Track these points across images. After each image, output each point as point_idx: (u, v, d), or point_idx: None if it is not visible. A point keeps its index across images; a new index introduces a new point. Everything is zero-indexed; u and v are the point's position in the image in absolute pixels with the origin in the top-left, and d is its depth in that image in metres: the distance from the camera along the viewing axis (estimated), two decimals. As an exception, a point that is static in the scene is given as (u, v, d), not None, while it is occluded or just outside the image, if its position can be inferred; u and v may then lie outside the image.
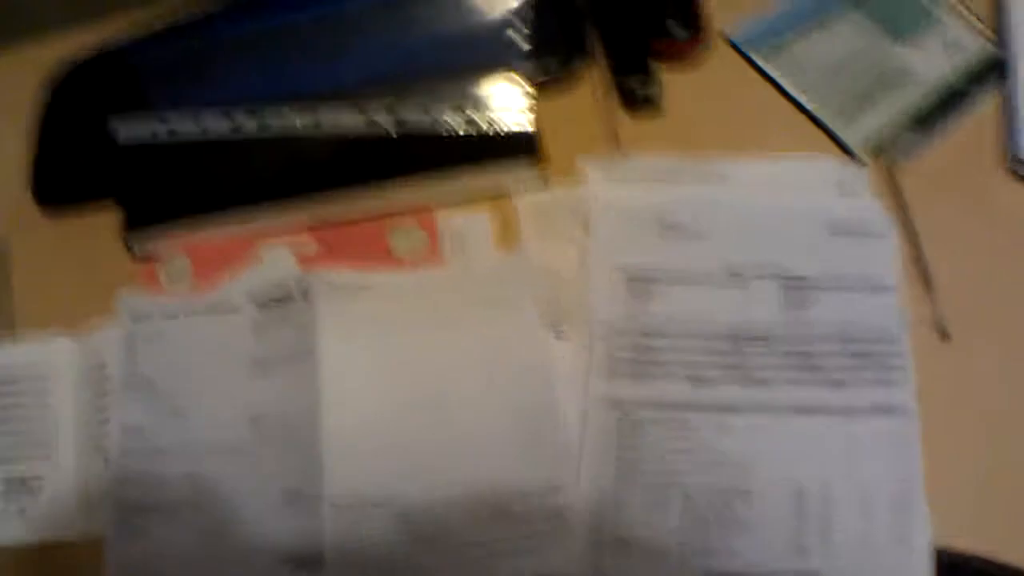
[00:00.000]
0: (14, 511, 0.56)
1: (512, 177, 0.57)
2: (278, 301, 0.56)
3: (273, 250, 0.58)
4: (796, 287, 0.54)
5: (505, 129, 0.57)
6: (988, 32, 0.60)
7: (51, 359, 0.59)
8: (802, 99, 0.59)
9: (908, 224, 0.55)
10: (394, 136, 0.58)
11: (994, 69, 0.59)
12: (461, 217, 0.57)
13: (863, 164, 0.57)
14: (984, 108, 0.58)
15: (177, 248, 0.60)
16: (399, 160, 0.58)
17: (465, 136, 0.57)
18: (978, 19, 0.61)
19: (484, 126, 0.57)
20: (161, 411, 0.55)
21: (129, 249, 0.60)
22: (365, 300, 0.55)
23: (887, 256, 0.54)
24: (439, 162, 0.57)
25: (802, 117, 0.59)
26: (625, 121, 0.59)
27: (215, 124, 0.60)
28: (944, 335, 0.53)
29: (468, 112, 0.57)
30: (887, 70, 0.59)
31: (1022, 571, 0.48)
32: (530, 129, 0.57)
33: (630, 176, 0.57)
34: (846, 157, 0.57)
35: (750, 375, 0.52)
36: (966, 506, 0.50)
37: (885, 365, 0.52)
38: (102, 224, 0.61)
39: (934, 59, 0.60)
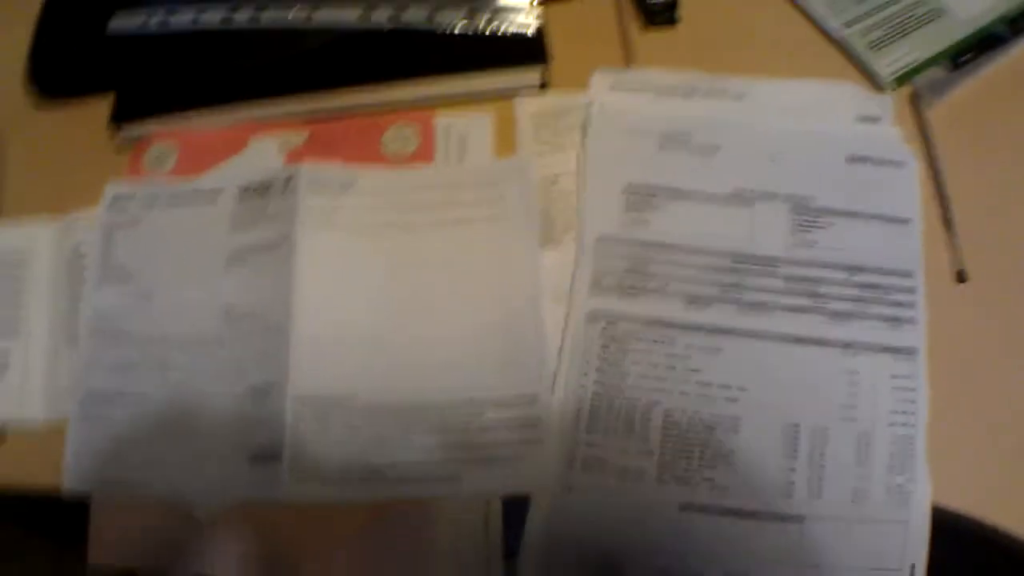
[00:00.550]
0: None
1: (514, 80, 0.54)
2: (258, 191, 0.54)
3: (260, 142, 0.56)
4: (806, 211, 0.50)
5: (510, 30, 0.54)
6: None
7: (30, 242, 0.57)
8: (831, 24, 0.55)
9: (931, 160, 0.52)
10: (393, 33, 0.55)
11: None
12: (460, 118, 0.55)
13: (888, 94, 0.53)
14: (1018, 55, 0.54)
15: (164, 137, 0.57)
16: (398, 58, 0.55)
17: (467, 35, 0.54)
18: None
19: (488, 26, 0.54)
20: (133, 296, 0.53)
21: (114, 135, 0.58)
22: (349, 195, 0.52)
23: (906, 189, 0.51)
24: (439, 61, 0.54)
25: (825, 43, 0.55)
26: (640, 33, 0.56)
27: (207, 15, 0.58)
28: (961, 277, 0.49)
29: (471, 10, 0.55)
30: (925, 5, 0.56)
31: (1016, 537, 0.44)
32: (536, 31, 0.54)
33: (637, 87, 0.54)
34: (869, 85, 0.54)
35: (747, 298, 0.49)
36: (963, 463, 0.46)
37: (895, 302, 0.48)
38: (96, 115, 0.59)
39: (973, 1, 0.56)
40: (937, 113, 0.53)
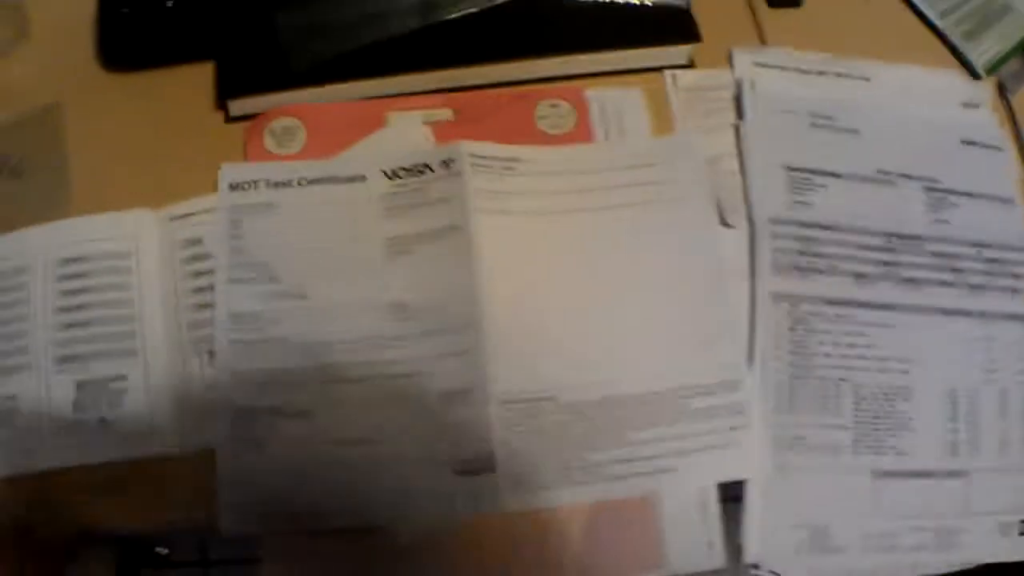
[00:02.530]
0: (93, 422, 0.43)
1: (665, 57, 0.53)
2: (413, 171, 0.48)
3: (402, 117, 0.50)
4: (935, 191, 0.54)
5: (661, 3, 0.52)
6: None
7: (130, 235, 0.47)
8: (930, 12, 0.59)
9: (1021, 143, 0.58)
10: (537, 3, 0.51)
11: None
12: (610, 93, 0.52)
13: (986, 82, 0.58)
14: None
15: (284, 113, 0.50)
16: (544, 31, 0.52)
17: (617, 7, 0.52)
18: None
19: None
20: (278, 296, 0.46)
21: (224, 108, 0.49)
22: (516, 175, 0.49)
23: (1009, 170, 0.56)
24: (588, 35, 0.52)
25: (925, 30, 0.59)
26: (766, 13, 0.57)
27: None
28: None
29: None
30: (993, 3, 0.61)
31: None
32: (686, 5, 0.53)
33: (776, 65, 0.55)
34: (965, 74, 0.59)
35: (903, 275, 0.52)
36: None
37: (1014, 274, 0.54)
38: (183, 89, 0.51)
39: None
40: (1018, 101, 0.59)
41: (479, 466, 0.44)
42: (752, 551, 0.46)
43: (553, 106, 0.51)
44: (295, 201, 0.48)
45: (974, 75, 0.59)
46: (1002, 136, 0.57)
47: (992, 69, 0.59)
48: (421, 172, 0.48)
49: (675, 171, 0.51)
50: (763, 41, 0.56)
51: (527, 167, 0.49)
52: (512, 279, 0.47)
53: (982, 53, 0.59)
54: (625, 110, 0.52)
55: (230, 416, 0.44)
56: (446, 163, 0.48)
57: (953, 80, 0.58)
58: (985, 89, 0.58)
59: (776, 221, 0.51)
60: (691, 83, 0.53)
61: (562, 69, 0.52)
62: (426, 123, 0.50)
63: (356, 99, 0.50)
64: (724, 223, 0.51)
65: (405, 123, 0.50)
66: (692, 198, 0.50)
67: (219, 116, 0.51)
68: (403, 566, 0.44)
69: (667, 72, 0.53)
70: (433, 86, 0.51)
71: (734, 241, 0.51)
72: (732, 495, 0.47)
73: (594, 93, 0.52)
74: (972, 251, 0.54)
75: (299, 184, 0.48)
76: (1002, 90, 0.59)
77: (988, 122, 0.57)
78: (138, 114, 0.51)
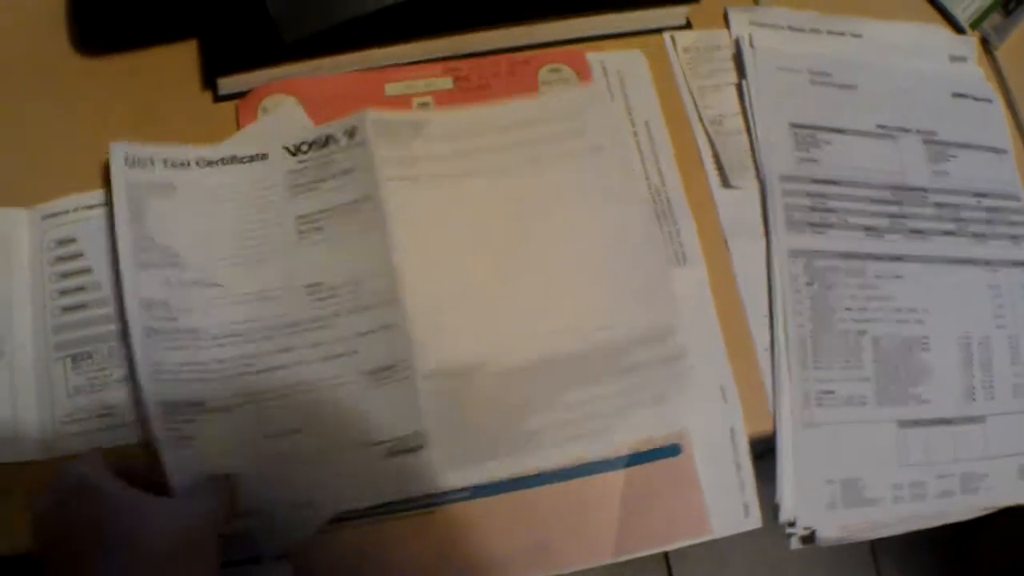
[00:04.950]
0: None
1: (664, 18, 0.52)
2: (316, 144, 0.46)
3: (282, 99, 0.48)
4: (933, 143, 0.55)
5: (656, -37, 0.52)
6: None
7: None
8: (913, -32, 0.60)
9: (1008, 95, 0.58)
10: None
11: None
12: (615, 54, 0.51)
13: (971, 36, 0.59)
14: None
15: (276, 88, 0.47)
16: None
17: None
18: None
19: (633, -42, 0.51)
20: (187, 284, 0.43)
21: (213, 87, 0.47)
22: (424, 139, 0.47)
23: (999, 121, 0.57)
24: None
25: (908, -14, 0.60)
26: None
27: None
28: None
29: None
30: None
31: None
32: (683, -34, 0.52)
33: (771, 24, 0.55)
34: (952, 29, 0.59)
35: (910, 226, 0.52)
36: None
37: (1012, 222, 0.55)
38: (163, 69, 0.49)
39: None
40: (1001, 54, 0.60)
41: (409, 446, 0.42)
42: (787, 509, 0.46)
43: (554, 70, 0.50)
44: (196, 183, 0.45)
45: (958, 30, 0.59)
46: (990, 88, 0.58)
47: (975, 24, 0.60)
48: (324, 145, 0.46)
49: (585, 120, 0.49)
50: (755, 1, 0.55)
51: (434, 130, 0.47)
52: (430, 247, 0.45)
53: (965, 8, 0.60)
54: (627, 72, 0.51)
55: (159, 411, 0.41)
56: (349, 133, 0.46)
57: (939, 35, 0.59)
58: (970, 43, 0.59)
59: (786, 178, 0.51)
60: (690, 43, 0.53)
61: (561, 33, 0.51)
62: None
63: (352, 71, 0.48)
64: (727, 184, 0.51)
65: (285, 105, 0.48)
66: (608, 147, 0.49)
67: (207, 96, 0.49)
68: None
69: (666, 33, 0.53)
70: (431, 54, 0.49)
71: (740, 199, 0.50)
72: (759, 453, 0.47)
73: (595, 56, 0.51)
74: (972, 200, 0.54)
75: (197, 165, 0.45)
76: (986, 44, 0.60)
77: (976, 75, 0.58)
78: (118, 99, 0.48)
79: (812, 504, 0.46)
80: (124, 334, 0.42)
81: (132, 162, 0.44)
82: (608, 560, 0.44)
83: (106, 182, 0.45)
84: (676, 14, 0.52)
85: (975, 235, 0.53)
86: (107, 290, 0.44)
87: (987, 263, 0.53)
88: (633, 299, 0.46)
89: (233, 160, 0.46)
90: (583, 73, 0.50)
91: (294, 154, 0.46)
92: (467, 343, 0.44)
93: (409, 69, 0.49)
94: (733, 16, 0.54)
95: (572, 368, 0.45)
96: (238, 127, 0.47)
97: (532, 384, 0.44)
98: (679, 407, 0.45)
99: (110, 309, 0.43)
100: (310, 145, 0.46)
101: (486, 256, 0.46)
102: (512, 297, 0.45)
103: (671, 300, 0.47)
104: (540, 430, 0.44)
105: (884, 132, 0.54)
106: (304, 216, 0.45)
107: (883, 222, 0.52)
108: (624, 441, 0.44)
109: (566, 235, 0.47)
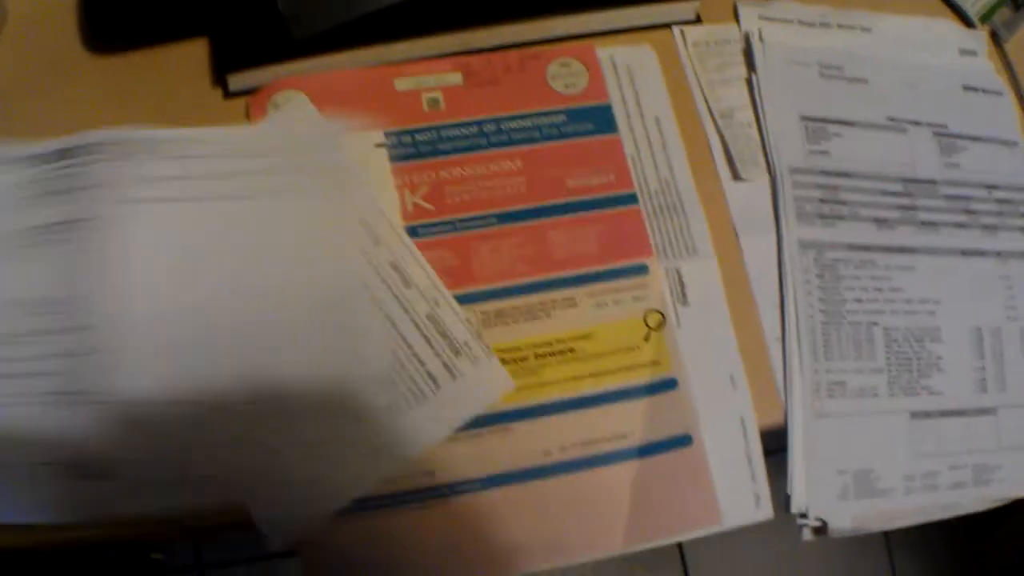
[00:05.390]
0: None
1: (673, 12, 0.52)
2: (49, 159, 0.45)
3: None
4: (944, 136, 0.55)
5: (665, -42, 0.52)
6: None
7: None
8: (921, -38, 0.60)
9: (1018, 88, 0.58)
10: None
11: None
12: (624, 49, 0.52)
13: (980, 30, 0.59)
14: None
15: (286, 84, 0.48)
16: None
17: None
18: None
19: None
20: None
21: (223, 84, 0.47)
22: (154, 162, 0.45)
23: (1010, 114, 0.57)
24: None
25: (918, -19, 0.60)
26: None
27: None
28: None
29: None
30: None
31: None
32: (691, -39, 0.52)
33: (782, 18, 0.55)
34: (962, 23, 0.59)
35: (921, 218, 0.52)
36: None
37: (1023, 213, 0.55)
38: (173, 64, 0.49)
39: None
40: (1011, 48, 0.60)
41: (96, 472, 0.41)
42: (799, 499, 0.46)
43: (564, 65, 0.50)
44: None
45: (968, 24, 0.59)
46: (1000, 82, 0.58)
47: (985, 18, 0.60)
48: (57, 159, 0.45)
49: (316, 157, 0.47)
50: (762, -7, 0.56)
51: (165, 151, 0.46)
52: (136, 274, 0.43)
53: (975, 2, 0.60)
54: (637, 67, 0.51)
55: None
56: (84, 149, 0.45)
57: (949, 29, 0.59)
58: (980, 37, 0.59)
59: (796, 171, 0.51)
60: (700, 38, 0.53)
61: (571, 28, 0.51)
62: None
63: (362, 67, 0.48)
64: (737, 177, 0.51)
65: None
66: (331, 185, 0.47)
67: (217, 93, 0.49)
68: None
69: (676, 28, 0.53)
70: (441, 50, 0.50)
71: (750, 192, 0.50)
72: (770, 450, 0.47)
73: (605, 51, 0.51)
74: (983, 193, 0.54)
75: None
76: (995, 38, 0.60)
77: (986, 68, 0.58)
78: (129, 96, 0.48)
79: (824, 495, 0.46)
80: None
81: None
82: (618, 551, 0.44)
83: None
84: (686, 9, 0.53)
85: (986, 227, 0.53)
86: None
87: (998, 255, 0.53)
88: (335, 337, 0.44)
89: None
90: (593, 68, 0.51)
91: (29, 167, 0.45)
92: (173, 373, 0.42)
93: (419, 64, 0.49)
94: (743, 11, 0.54)
95: (280, 409, 0.43)
96: (248, 122, 0.48)
97: (232, 424, 0.42)
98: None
99: None
100: (47, 159, 0.45)
101: (205, 284, 0.44)
102: (226, 328, 0.44)
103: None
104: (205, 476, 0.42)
105: (894, 125, 0.54)
106: (29, 229, 0.44)
107: (894, 214, 0.52)
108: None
109: (279, 270, 0.45)
